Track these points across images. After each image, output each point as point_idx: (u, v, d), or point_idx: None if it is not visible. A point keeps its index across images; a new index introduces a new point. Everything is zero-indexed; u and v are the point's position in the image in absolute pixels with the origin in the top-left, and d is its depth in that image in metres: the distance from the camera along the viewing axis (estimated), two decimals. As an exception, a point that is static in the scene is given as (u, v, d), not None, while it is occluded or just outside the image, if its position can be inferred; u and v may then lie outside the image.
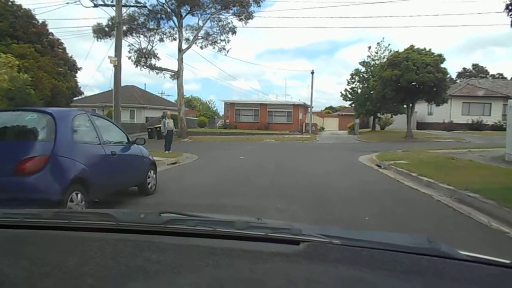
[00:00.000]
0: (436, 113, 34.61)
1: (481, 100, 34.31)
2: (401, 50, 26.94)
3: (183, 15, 27.50)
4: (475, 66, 56.97)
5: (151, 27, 27.42)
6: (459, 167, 9.97)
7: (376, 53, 33.76)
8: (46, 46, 25.85)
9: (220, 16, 27.98)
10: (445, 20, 74.75)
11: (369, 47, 34.41)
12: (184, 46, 27.70)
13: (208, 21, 27.97)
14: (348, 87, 35.37)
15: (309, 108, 40.17)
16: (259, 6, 27.93)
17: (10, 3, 25.63)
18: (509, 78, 47.88)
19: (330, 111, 60.75)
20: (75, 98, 29.37)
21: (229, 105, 41.15)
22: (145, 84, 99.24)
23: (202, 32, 28.21)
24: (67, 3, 18.17)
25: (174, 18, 27.52)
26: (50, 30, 27.04)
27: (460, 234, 4.79)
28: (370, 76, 32.66)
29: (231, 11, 27.68)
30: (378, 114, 35.37)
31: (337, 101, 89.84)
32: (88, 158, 5.30)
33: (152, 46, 27.74)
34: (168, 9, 27.18)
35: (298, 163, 13.51)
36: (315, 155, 16.77)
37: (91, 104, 35.20)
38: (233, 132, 33.15)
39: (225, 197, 6.94)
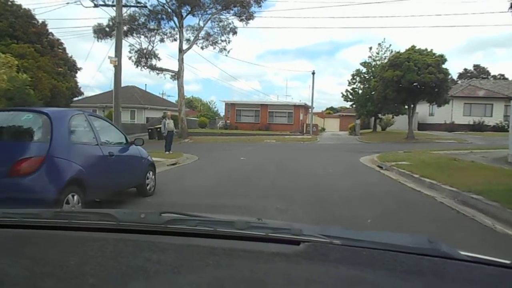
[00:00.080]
0: (437, 114, 34.51)
1: (483, 101, 34.20)
2: (402, 50, 26.93)
3: (184, 16, 27.48)
4: (476, 66, 56.83)
5: (152, 27, 27.37)
6: (462, 168, 9.89)
7: (377, 53, 33.78)
8: (45, 46, 25.82)
9: (221, 16, 27.98)
10: (446, 20, 74.72)
11: (370, 48, 34.54)
12: (184, 46, 27.71)
13: (209, 21, 27.98)
14: (349, 88, 35.37)
15: (310, 109, 40.13)
16: (260, 6, 27.90)
17: (10, 3, 25.60)
18: (510, 78, 47.65)
19: (331, 111, 60.66)
20: (75, 99, 29.34)
21: (230, 106, 41.09)
22: (145, 84, 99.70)
23: (202, 33, 28.22)
24: (67, 3, 18.15)
25: (175, 19, 27.54)
26: (50, 30, 27.08)
27: (465, 237, 4.69)
28: (371, 77, 32.59)
29: (232, 12, 27.66)
30: (379, 115, 35.29)
31: (338, 102, 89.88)
32: (85, 159, 5.21)
33: (153, 47, 27.73)
34: (169, 10, 27.17)
35: (299, 164, 13.44)
36: (316, 156, 16.68)
37: (92, 104, 35.19)
38: (233, 132, 33.06)
39: (225, 198, 6.88)
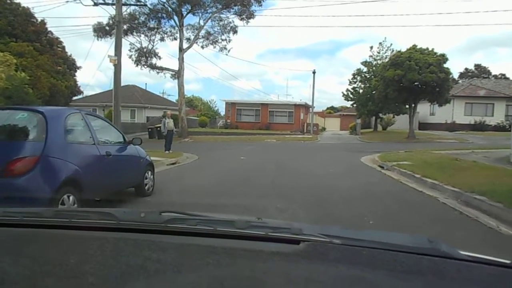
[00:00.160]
0: (438, 113, 34.38)
1: (484, 100, 34.09)
2: (403, 49, 26.84)
3: (184, 14, 27.42)
4: (477, 66, 56.71)
5: (152, 26, 27.31)
6: (464, 169, 9.78)
7: (378, 53, 33.65)
8: (45, 45, 25.77)
9: (221, 15, 27.90)
10: (447, 19, 74.55)
11: (371, 47, 34.35)
12: (185, 45, 27.64)
13: (209, 20, 27.92)
14: (350, 87, 35.19)
15: (310, 108, 40.04)
16: (261, 5, 27.74)
17: (9, 1, 25.54)
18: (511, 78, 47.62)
19: (331, 111, 60.55)
20: (74, 98, 29.32)
21: (230, 105, 41.01)
22: (146, 83, 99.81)
23: (203, 32, 28.14)
24: (67, 1, 17.97)
25: (175, 17, 27.48)
26: (49, 29, 27.07)
27: (469, 239, 4.60)
28: (372, 76, 32.47)
29: (232, 10, 27.60)
30: (380, 114, 35.16)
31: (339, 101, 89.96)
32: (81, 158, 5.10)
33: (153, 46, 27.67)
34: (169, 8, 27.10)
35: (299, 163, 13.36)
36: (317, 156, 16.60)
37: (92, 103, 35.11)
38: (234, 132, 33.00)
39: (225, 197, 6.83)
